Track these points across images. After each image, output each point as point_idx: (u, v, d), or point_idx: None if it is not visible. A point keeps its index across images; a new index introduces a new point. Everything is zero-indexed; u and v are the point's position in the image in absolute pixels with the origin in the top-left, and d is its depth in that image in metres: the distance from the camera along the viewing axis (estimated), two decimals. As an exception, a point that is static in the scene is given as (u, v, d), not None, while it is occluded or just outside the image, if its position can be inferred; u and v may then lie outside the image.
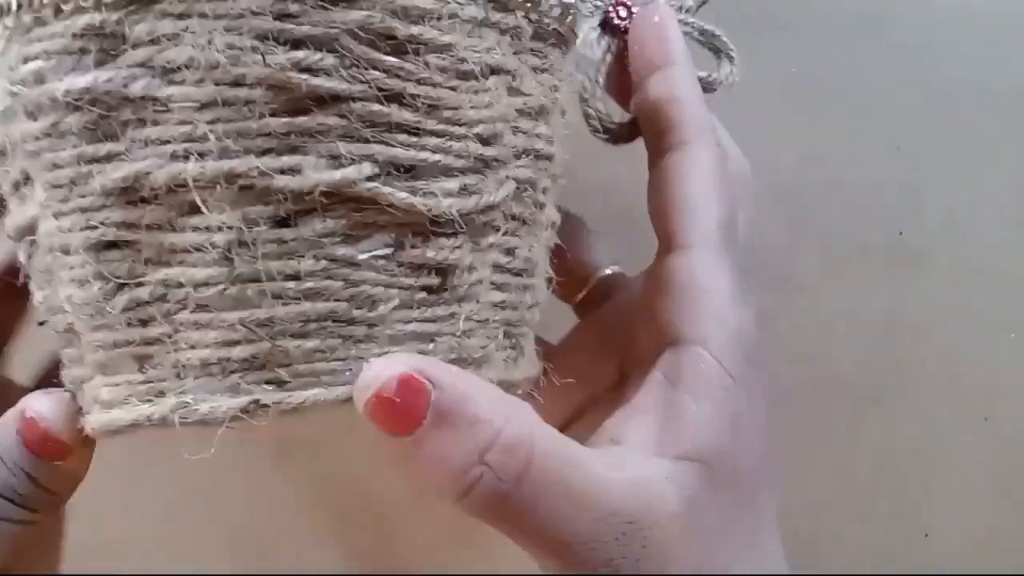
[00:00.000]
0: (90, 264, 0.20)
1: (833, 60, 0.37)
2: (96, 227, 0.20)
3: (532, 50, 0.22)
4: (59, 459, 0.22)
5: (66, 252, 0.20)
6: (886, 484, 0.39)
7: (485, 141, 0.21)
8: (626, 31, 0.26)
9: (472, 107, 0.20)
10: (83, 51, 0.19)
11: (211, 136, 0.18)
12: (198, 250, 0.19)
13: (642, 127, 0.26)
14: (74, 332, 0.22)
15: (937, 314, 0.38)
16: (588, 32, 0.26)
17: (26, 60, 0.20)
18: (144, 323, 0.20)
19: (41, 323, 0.23)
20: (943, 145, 0.38)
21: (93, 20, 0.19)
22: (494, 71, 0.21)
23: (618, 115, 0.28)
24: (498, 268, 0.22)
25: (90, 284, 0.20)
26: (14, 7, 0.19)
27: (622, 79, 0.27)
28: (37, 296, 0.23)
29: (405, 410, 0.19)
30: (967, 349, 0.39)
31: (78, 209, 0.20)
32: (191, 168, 0.19)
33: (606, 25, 0.26)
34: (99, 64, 0.19)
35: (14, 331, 0.29)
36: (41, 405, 0.22)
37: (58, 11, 0.19)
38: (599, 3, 0.26)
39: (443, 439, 0.19)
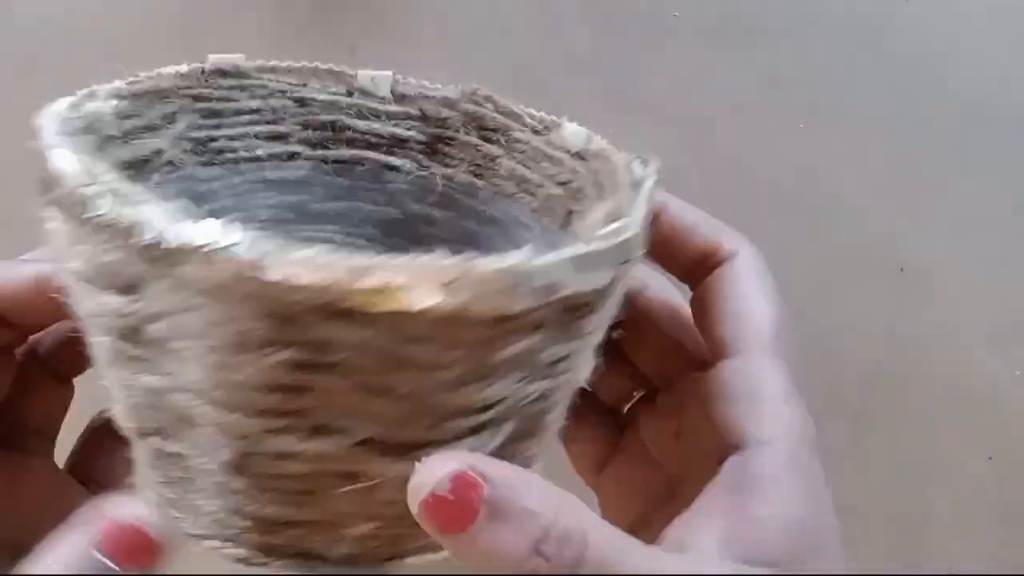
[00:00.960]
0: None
1: (833, 73, 0.37)
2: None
3: None
4: (147, 565, 0.21)
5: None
6: (887, 500, 0.39)
7: None
8: None
9: None
10: None
11: None
12: None
13: (664, 257, 0.27)
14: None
15: (938, 329, 0.39)
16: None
17: None
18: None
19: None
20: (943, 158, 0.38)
21: None
22: None
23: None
24: None
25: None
26: None
27: None
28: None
29: (460, 507, 0.19)
30: (969, 364, 0.39)
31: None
32: None
33: None
34: None
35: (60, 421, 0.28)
36: (130, 507, 0.21)
37: None
38: None
39: (498, 532, 0.20)
